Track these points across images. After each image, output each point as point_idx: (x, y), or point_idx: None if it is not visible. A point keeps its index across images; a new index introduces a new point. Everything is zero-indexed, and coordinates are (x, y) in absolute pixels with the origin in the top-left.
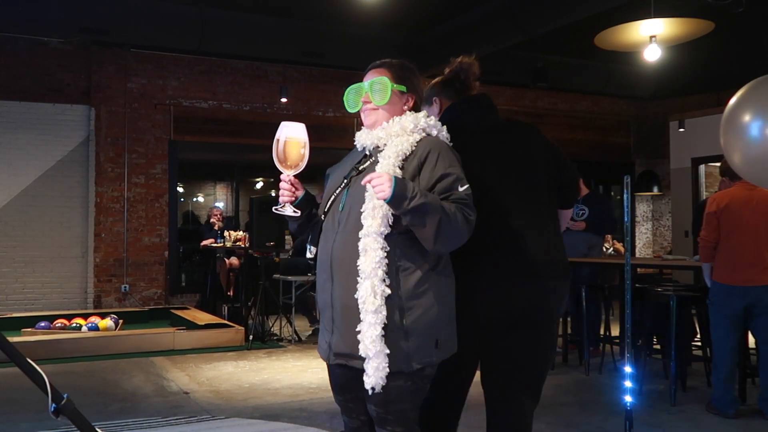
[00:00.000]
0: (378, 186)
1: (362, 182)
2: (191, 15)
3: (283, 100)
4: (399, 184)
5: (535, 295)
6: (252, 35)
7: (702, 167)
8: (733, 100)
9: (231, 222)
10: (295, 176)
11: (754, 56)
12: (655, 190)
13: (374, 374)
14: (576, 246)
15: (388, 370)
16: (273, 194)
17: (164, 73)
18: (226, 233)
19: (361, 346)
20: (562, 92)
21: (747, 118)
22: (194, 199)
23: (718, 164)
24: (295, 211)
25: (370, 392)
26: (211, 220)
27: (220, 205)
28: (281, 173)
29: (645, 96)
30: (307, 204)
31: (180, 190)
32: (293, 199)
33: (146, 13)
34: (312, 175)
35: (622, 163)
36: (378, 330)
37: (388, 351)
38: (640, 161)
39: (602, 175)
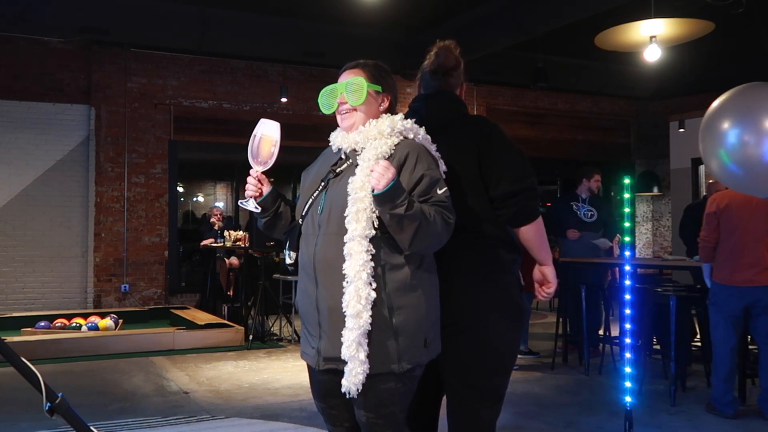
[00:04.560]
0: (379, 175)
1: (369, 169)
2: (191, 15)
3: (283, 99)
4: (396, 187)
5: (464, 295)
6: (252, 35)
7: (702, 167)
8: (711, 108)
9: (231, 222)
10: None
11: (754, 56)
12: (655, 191)
13: (348, 378)
14: (584, 250)
15: (362, 376)
16: None
17: (164, 73)
18: (226, 233)
19: (342, 349)
20: (562, 92)
21: (725, 125)
22: (194, 199)
23: None
24: (256, 207)
25: (347, 395)
26: (211, 220)
27: (220, 205)
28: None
29: (645, 96)
30: (273, 202)
31: (180, 190)
32: (258, 194)
33: (146, 13)
34: None
35: (622, 163)
36: (355, 334)
37: (363, 357)
38: (640, 161)
39: (602, 175)
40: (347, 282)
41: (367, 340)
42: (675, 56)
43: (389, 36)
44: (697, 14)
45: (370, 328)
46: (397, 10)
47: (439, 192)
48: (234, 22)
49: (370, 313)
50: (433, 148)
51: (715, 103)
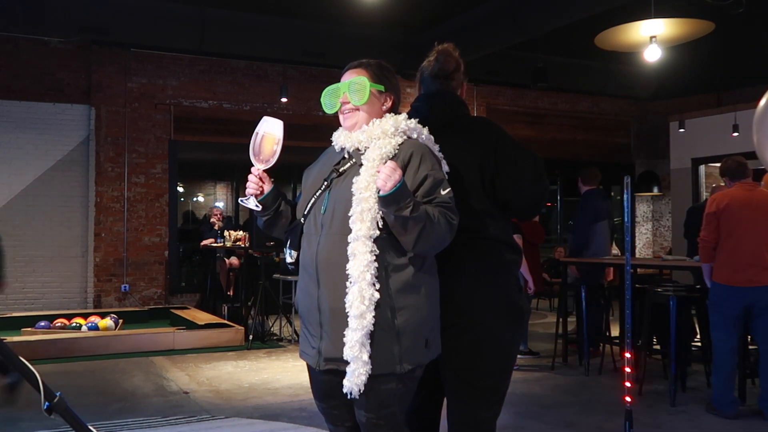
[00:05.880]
0: (386, 177)
1: (374, 169)
2: (191, 15)
3: (283, 99)
4: (402, 188)
5: (465, 296)
6: (252, 35)
7: (702, 168)
8: (764, 99)
9: (231, 222)
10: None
11: (754, 56)
12: (655, 191)
13: (350, 379)
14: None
15: (364, 376)
16: None
17: (164, 73)
18: (226, 233)
19: (344, 350)
20: (563, 92)
21: None
22: (194, 199)
23: (718, 165)
24: (257, 205)
25: (348, 396)
26: (211, 219)
27: (220, 205)
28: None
29: (645, 96)
30: (274, 200)
31: (180, 190)
32: (259, 192)
33: (146, 13)
34: None
35: (622, 163)
36: (359, 335)
37: (366, 358)
38: (641, 161)
39: (602, 176)
40: (351, 282)
41: (369, 341)
42: (675, 56)
43: (389, 36)
44: (697, 14)
45: (372, 329)
46: (397, 10)
47: (443, 193)
48: (234, 22)
49: (373, 313)
50: (436, 148)
51: (766, 96)
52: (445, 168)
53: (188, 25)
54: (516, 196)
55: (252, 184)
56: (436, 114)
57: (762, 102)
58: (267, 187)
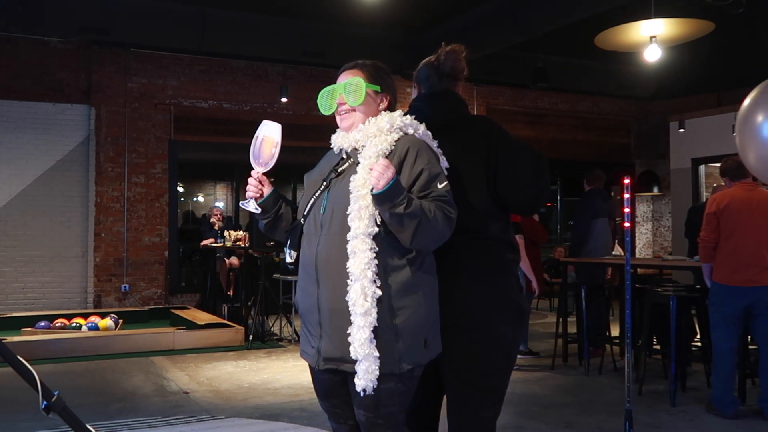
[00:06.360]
0: (378, 174)
1: (369, 168)
2: (191, 15)
3: (284, 99)
4: (395, 186)
5: (465, 296)
6: (252, 35)
7: (702, 167)
8: (747, 101)
9: (231, 222)
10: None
11: (754, 56)
12: (655, 191)
13: (364, 377)
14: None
15: (378, 372)
16: None
17: (164, 73)
18: (226, 233)
19: (351, 349)
20: (563, 92)
21: (761, 118)
22: (194, 199)
23: (718, 165)
24: (257, 208)
25: (361, 395)
26: (211, 220)
27: (220, 205)
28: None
29: (645, 96)
30: (274, 203)
31: (180, 190)
32: (259, 195)
33: (146, 13)
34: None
35: (622, 163)
36: (367, 333)
37: (377, 354)
38: (641, 161)
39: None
40: (351, 280)
41: (375, 338)
42: (675, 56)
43: (389, 36)
44: (697, 14)
45: (377, 324)
46: (397, 10)
47: (440, 186)
48: (234, 22)
49: (376, 310)
50: (434, 144)
51: (749, 97)
52: (444, 164)
53: (188, 25)
54: (516, 193)
55: (252, 187)
56: (438, 113)
57: (744, 104)
58: (267, 190)
